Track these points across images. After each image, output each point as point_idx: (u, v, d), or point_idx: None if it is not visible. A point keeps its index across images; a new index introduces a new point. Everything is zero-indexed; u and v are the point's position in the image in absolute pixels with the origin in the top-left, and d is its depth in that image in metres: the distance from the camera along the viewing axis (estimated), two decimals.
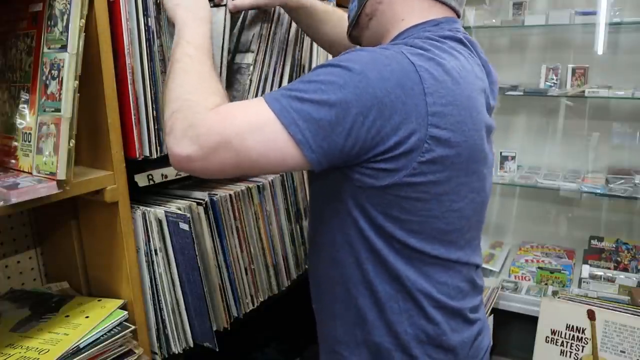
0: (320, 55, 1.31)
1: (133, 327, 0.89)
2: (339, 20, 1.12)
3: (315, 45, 1.27)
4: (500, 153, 2.38)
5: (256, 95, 1.11)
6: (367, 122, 0.72)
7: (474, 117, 0.79)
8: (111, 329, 0.86)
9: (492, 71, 0.93)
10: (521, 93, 2.29)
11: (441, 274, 0.85)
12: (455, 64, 0.78)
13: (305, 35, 1.20)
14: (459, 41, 0.85)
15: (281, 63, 1.16)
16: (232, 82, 1.09)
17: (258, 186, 1.15)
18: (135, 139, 0.88)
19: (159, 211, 0.95)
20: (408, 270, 0.83)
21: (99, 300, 0.93)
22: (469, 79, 0.80)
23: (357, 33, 0.96)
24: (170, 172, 1.02)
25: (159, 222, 0.95)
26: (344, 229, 0.84)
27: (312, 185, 0.95)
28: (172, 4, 0.87)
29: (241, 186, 1.12)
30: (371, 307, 0.86)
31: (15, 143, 0.81)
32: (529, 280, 2.22)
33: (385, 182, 0.76)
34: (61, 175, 0.74)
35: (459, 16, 0.91)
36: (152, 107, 0.90)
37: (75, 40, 0.74)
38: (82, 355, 0.81)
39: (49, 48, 0.77)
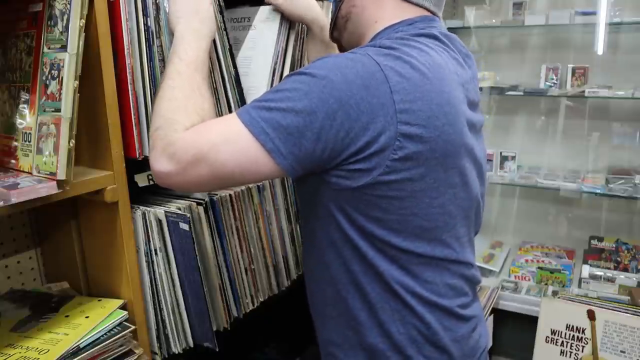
0: None
1: (133, 327, 0.89)
2: None
3: None
4: (500, 153, 2.38)
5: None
6: (335, 125, 0.73)
7: (447, 111, 0.79)
8: (111, 329, 0.86)
9: (474, 66, 0.93)
10: (521, 93, 2.29)
11: (428, 273, 0.85)
12: (425, 60, 0.79)
13: (305, 35, 1.21)
14: (434, 37, 0.86)
15: (281, 62, 1.16)
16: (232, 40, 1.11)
17: (258, 186, 1.15)
18: (135, 139, 0.88)
19: (159, 211, 0.95)
20: (394, 270, 0.83)
21: (99, 300, 0.93)
22: (440, 74, 0.80)
23: (337, 35, 0.99)
24: None
25: (159, 222, 0.95)
26: (329, 232, 0.85)
27: (296, 191, 0.97)
28: (174, 17, 0.88)
29: (241, 186, 1.12)
30: (362, 308, 0.86)
31: (15, 143, 0.81)
32: (529, 280, 2.22)
33: (360, 183, 0.77)
34: (61, 175, 0.74)
35: (437, 16, 0.92)
36: (152, 107, 0.90)
37: (75, 40, 0.74)
38: (82, 355, 0.81)
39: (49, 48, 0.77)
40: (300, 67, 1.22)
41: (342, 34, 0.97)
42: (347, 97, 0.73)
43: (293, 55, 1.18)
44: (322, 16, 1.12)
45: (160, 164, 0.77)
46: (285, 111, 0.73)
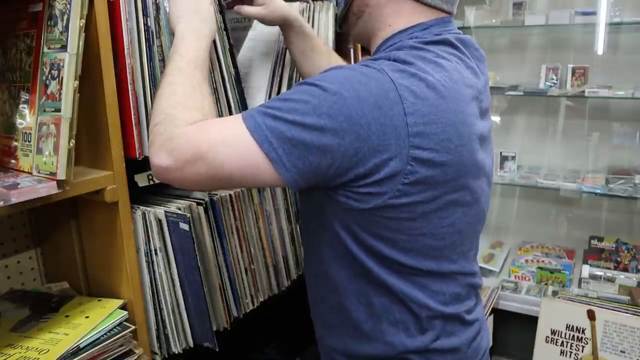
0: None
1: (133, 327, 0.89)
2: (328, 64, 1.10)
3: None
4: (500, 153, 2.38)
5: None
6: (344, 144, 0.71)
7: (461, 132, 0.77)
8: (111, 329, 0.86)
9: (486, 70, 0.92)
10: (521, 93, 2.29)
11: (435, 284, 0.84)
12: (440, 77, 0.76)
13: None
14: (449, 44, 0.83)
15: (281, 62, 1.16)
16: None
17: None
18: (135, 139, 0.88)
19: (159, 211, 0.95)
20: (401, 283, 0.82)
21: (99, 300, 0.93)
22: (456, 91, 0.77)
23: (347, 29, 0.97)
24: None
25: (159, 222, 0.95)
26: (333, 246, 0.84)
27: (300, 199, 0.95)
28: (174, 17, 0.88)
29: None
30: (366, 319, 0.85)
31: (15, 143, 0.82)
32: (529, 280, 2.22)
33: (370, 205, 0.76)
34: (61, 175, 0.74)
35: (452, 15, 0.89)
36: (152, 106, 0.90)
37: (75, 40, 0.74)
38: (82, 355, 0.81)
39: (49, 48, 0.77)
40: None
41: (352, 29, 0.95)
42: (358, 117, 0.70)
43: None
44: (295, 12, 1.10)
45: (159, 158, 0.75)
46: (292, 123, 0.71)
